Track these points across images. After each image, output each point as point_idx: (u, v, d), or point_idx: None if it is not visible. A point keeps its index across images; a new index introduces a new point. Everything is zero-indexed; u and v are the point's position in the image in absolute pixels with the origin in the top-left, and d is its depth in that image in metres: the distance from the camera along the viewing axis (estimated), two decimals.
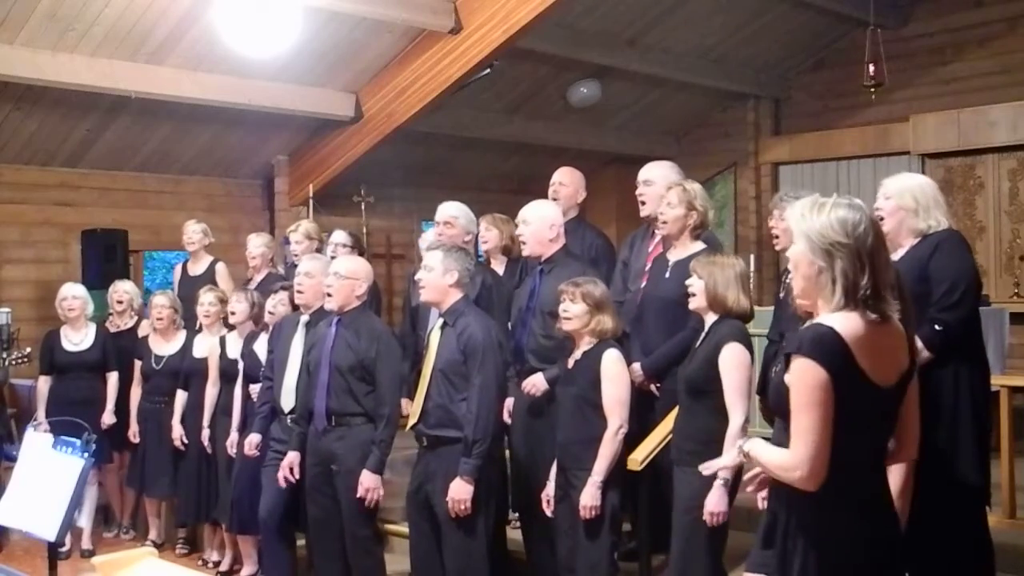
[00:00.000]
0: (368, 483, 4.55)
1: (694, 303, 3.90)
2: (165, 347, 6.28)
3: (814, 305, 2.52)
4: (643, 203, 4.89)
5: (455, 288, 4.45)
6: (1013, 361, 7.64)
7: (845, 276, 2.42)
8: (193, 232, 7.05)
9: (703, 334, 3.89)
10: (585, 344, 4.20)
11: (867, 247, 2.43)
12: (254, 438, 5.27)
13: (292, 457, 4.87)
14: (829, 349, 2.37)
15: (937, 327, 3.56)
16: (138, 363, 6.35)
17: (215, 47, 7.09)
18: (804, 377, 2.38)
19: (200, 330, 6.17)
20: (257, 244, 6.63)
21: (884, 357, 2.45)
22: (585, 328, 4.16)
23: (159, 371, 6.22)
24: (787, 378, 2.45)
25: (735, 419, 3.72)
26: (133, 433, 6.26)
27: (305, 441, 4.84)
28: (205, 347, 6.02)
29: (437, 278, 4.43)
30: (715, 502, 3.72)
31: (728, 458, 3.43)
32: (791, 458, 2.39)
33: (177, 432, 6.03)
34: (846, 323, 2.41)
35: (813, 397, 2.36)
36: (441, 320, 4.50)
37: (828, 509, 2.42)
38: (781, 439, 2.54)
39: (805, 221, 2.48)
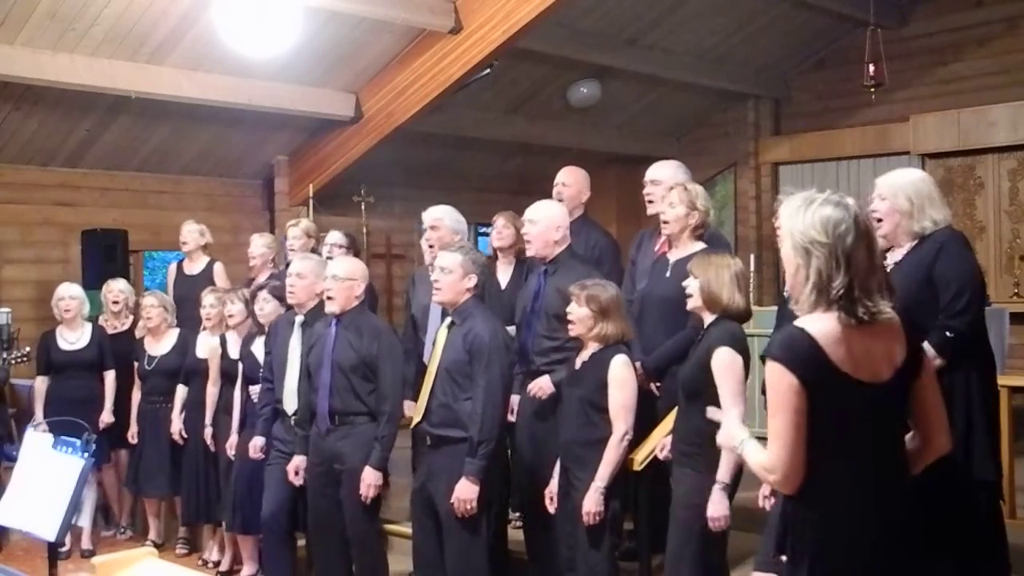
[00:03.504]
0: (370, 479, 4.54)
1: (691, 303, 3.90)
2: (157, 347, 6.29)
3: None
4: (650, 203, 4.89)
5: (471, 291, 4.44)
6: (1013, 361, 7.63)
7: (819, 274, 2.40)
8: (188, 233, 7.03)
9: (701, 335, 3.89)
10: (592, 346, 4.19)
11: (846, 246, 2.40)
12: (258, 441, 5.25)
13: (298, 461, 4.87)
14: (798, 351, 2.37)
15: (948, 334, 3.55)
16: (136, 364, 6.36)
17: (215, 47, 7.08)
18: (772, 380, 2.39)
19: (203, 330, 6.16)
20: (259, 245, 6.62)
21: (868, 353, 2.42)
22: (589, 332, 4.15)
23: (152, 371, 6.23)
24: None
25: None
26: (132, 435, 6.27)
27: (308, 443, 4.84)
28: (207, 347, 6.02)
29: (456, 281, 4.40)
30: (715, 507, 3.70)
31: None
32: (768, 461, 2.41)
33: (176, 426, 6.03)
34: (819, 324, 2.40)
35: (783, 400, 2.36)
36: (449, 319, 4.50)
37: (827, 513, 2.39)
38: None
39: (791, 219, 2.48)
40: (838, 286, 2.39)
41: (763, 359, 2.47)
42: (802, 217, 2.45)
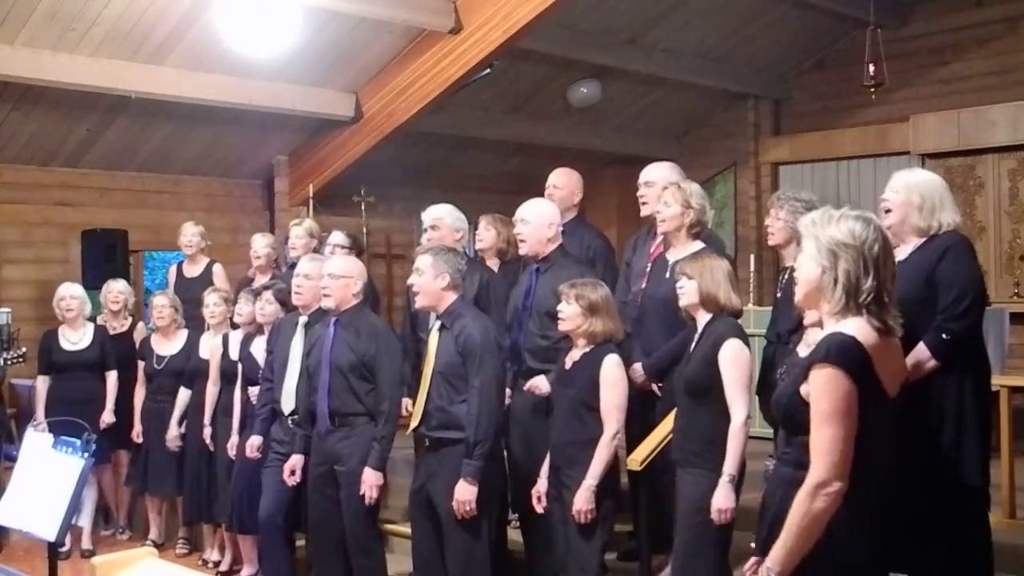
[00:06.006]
0: (370, 480, 4.54)
1: (684, 301, 3.91)
2: (167, 347, 6.29)
3: (815, 310, 2.50)
4: (644, 204, 4.90)
5: (448, 290, 4.43)
6: (1013, 361, 7.63)
7: (847, 276, 2.40)
8: (192, 235, 7.06)
9: (698, 334, 3.89)
10: (583, 346, 4.19)
11: (872, 253, 2.42)
12: (255, 440, 5.26)
13: (296, 460, 4.87)
14: (854, 358, 2.34)
15: (945, 336, 3.53)
16: (141, 363, 6.36)
17: (215, 47, 7.08)
18: (831, 386, 2.33)
19: (207, 330, 6.16)
20: (263, 244, 6.63)
21: (891, 367, 2.43)
22: (579, 330, 4.16)
23: (161, 371, 6.23)
24: (804, 389, 2.40)
25: (737, 416, 3.72)
26: (137, 433, 6.28)
27: (308, 443, 4.83)
28: (208, 347, 6.03)
29: (429, 281, 4.42)
30: (722, 499, 3.72)
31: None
32: (825, 474, 2.31)
33: (173, 432, 6.05)
34: (861, 330, 2.38)
35: (843, 407, 2.32)
36: (439, 322, 4.49)
37: (837, 523, 2.37)
38: (796, 455, 2.50)
39: (815, 227, 2.48)
40: (867, 289, 2.40)
41: (807, 368, 2.40)
42: (828, 225, 2.47)
